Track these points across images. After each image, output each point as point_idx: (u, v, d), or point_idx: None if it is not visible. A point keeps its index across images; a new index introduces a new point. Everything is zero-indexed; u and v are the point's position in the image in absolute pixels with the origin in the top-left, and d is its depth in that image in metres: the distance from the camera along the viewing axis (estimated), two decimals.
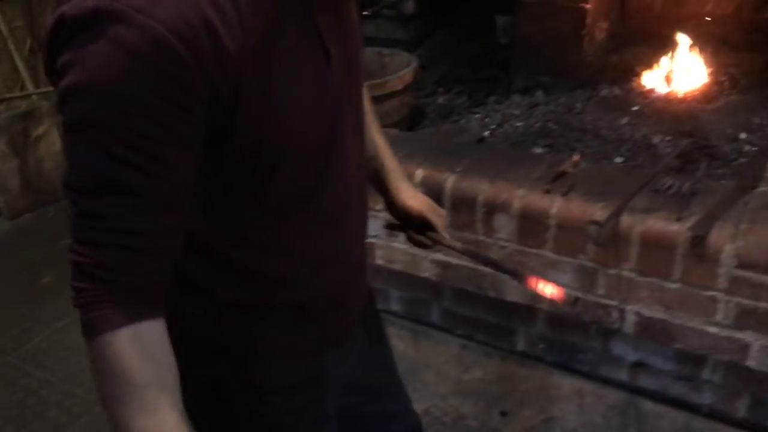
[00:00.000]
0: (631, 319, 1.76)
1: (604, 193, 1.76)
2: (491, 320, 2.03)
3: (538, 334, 1.97)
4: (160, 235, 0.76)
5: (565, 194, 1.77)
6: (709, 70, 2.33)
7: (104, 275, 0.75)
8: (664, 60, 2.37)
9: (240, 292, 0.94)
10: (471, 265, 1.95)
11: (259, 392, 1.03)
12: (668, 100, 2.26)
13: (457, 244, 1.22)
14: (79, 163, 0.74)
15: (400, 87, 2.33)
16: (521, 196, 1.81)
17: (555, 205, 1.77)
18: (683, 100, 2.24)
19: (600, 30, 2.63)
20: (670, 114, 2.17)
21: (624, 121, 2.18)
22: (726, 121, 2.11)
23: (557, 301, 1.15)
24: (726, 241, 1.58)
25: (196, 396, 0.99)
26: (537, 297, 1.89)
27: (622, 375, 1.88)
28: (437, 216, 1.26)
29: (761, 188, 1.74)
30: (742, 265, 1.57)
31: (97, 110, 0.71)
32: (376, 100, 2.22)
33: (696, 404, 1.81)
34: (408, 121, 2.52)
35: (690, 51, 2.35)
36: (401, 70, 2.41)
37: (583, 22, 2.49)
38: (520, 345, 2.02)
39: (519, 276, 1.17)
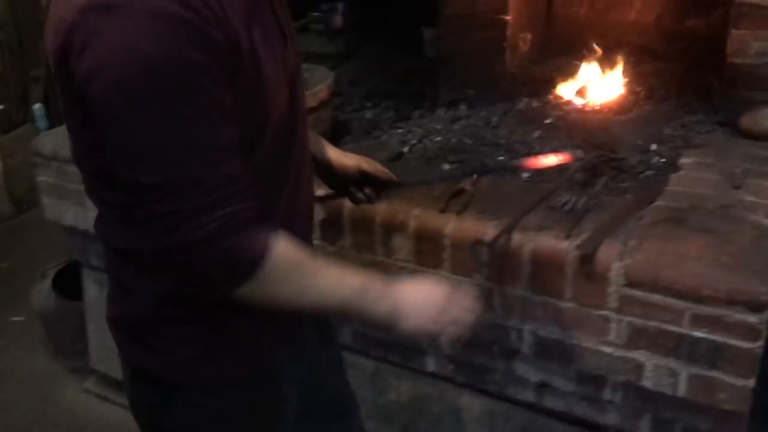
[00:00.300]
0: (529, 340, 1.72)
1: (500, 211, 1.72)
2: (401, 341, 1.99)
3: (446, 354, 1.92)
4: (245, 171, 0.87)
5: (459, 213, 1.73)
6: (627, 79, 2.30)
7: (241, 222, 0.85)
8: (584, 71, 2.34)
9: None
10: None
11: (218, 386, 1.06)
12: (583, 111, 2.23)
13: (412, 179, 1.36)
14: (152, 142, 0.77)
15: (315, 104, 2.29)
16: (417, 216, 1.77)
17: (449, 225, 1.73)
18: (598, 112, 2.21)
19: (524, 41, 2.60)
20: (583, 126, 2.14)
21: (537, 134, 2.14)
22: (638, 133, 2.08)
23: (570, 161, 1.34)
24: (614, 259, 1.54)
25: (152, 391, 1.05)
26: None
27: (529, 396, 1.83)
28: (375, 165, 1.40)
29: (658, 203, 1.70)
30: (631, 283, 1.53)
31: (157, 80, 0.75)
32: None
33: (602, 425, 1.77)
34: (328, 138, 2.48)
35: (609, 61, 2.32)
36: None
37: (504, 33, 2.46)
38: (431, 366, 1.98)
39: (515, 167, 1.38)
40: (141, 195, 0.80)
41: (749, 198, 1.66)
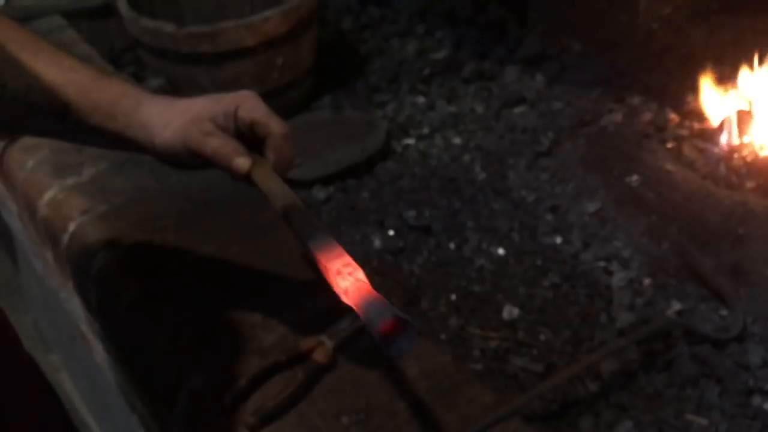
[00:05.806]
0: None
1: None
2: None
3: None
4: None
5: None
6: None
7: None
8: None
9: None
10: None
11: None
12: (730, 170, 1.12)
13: None
14: None
15: (285, 29, 1.38)
16: None
17: None
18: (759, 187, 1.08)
19: None
20: (700, 217, 1.05)
21: (592, 207, 1.11)
22: None
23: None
24: None
25: None
26: None
27: None
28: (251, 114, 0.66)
29: None
30: None
31: None
32: None
33: None
34: (302, 96, 1.55)
35: None
36: None
37: None
38: None
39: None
40: None
41: None
